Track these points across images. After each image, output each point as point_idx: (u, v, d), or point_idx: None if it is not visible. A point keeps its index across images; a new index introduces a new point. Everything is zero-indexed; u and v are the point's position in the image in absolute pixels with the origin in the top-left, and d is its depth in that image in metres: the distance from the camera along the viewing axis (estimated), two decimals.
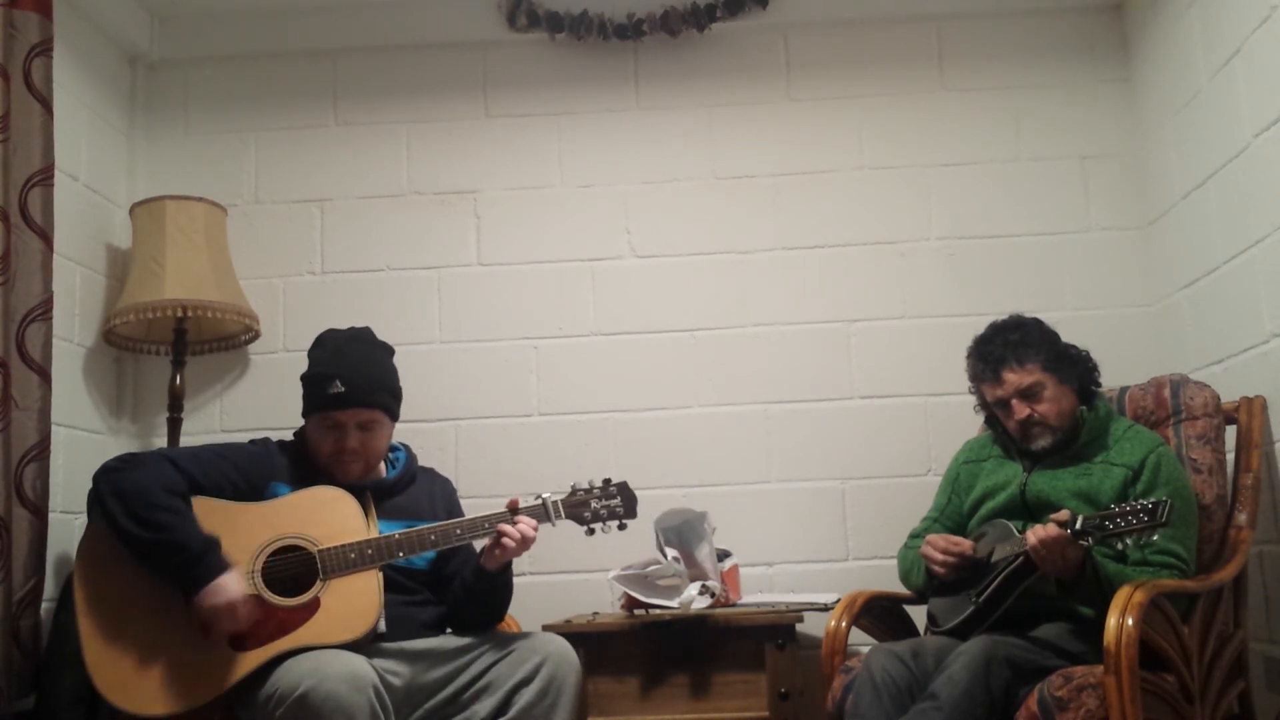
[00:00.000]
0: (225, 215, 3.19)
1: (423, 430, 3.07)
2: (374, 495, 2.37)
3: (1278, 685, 2.60)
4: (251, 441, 2.43)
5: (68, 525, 2.84)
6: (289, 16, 3.38)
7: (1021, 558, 2.20)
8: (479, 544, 2.36)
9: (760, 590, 3.06)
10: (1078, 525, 2.08)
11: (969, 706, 1.99)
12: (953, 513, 2.59)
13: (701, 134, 3.35)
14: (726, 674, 2.61)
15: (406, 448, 2.54)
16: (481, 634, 2.31)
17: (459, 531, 2.28)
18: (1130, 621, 1.96)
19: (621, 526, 2.37)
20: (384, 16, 3.38)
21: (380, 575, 2.23)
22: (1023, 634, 2.20)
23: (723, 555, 2.89)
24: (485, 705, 2.18)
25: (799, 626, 2.63)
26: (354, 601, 2.19)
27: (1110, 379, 2.58)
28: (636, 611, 2.68)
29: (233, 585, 2.10)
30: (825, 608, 2.62)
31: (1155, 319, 3.18)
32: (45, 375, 2.53)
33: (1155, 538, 2.08)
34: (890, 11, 3.35)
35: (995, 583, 2.26)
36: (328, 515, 2.26)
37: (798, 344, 3.23)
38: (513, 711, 2.16)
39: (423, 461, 2.57)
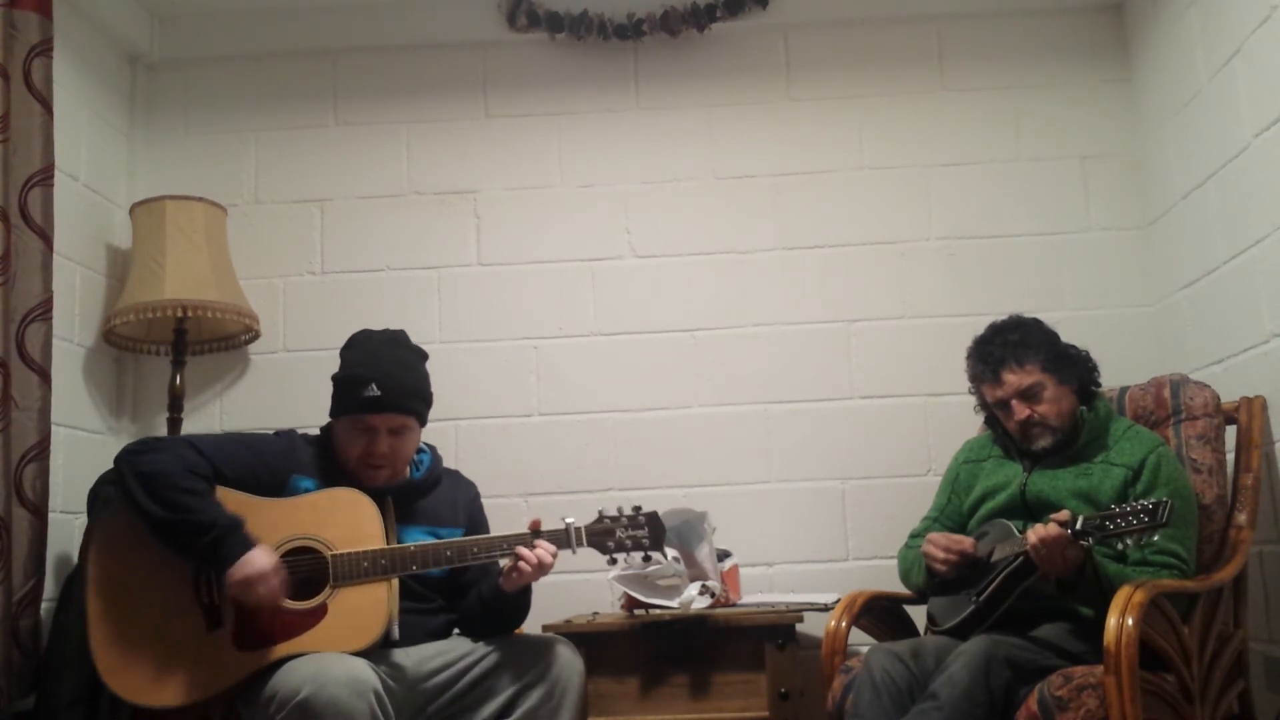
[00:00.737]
0: (225, 215, 3.19)
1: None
2: (397, 498, 2.34)
3: (1278, 685, 2.60)
4: (276, 433, 2.41)
5: (67, 525, 2.84)
6: (289, 16, 3.38)
7: (1021, 558, 2.20)
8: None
9: (760, 590, 3.06)
10: (1078, 525, 2.08)
11: (969, 706, 1.99)
12: (952, 513, 2.59)
13: (701, 134, 3.35)
14: (726, 674, 2.61)
15: (432, 449, 2.50)
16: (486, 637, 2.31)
17: (476, 550, 2.25)
18: (1130, 621, 1.96)
19: (646, 559, 2.34)
20: (384, 16, 3.38)
21: (393, 585, 2.21)
22: (1023, 634, 2.20)
23: (723, 555, 2.89)
24: (488, 709, 2.17)
25: (799, 626, 2.63)
26: (361, 613, 2.17)
27: (1110, 379, 2.58)
28: (636, 611, 2.68)
29: (261, 557, 2.10)
30: (825, 608, 2.62)
31: (1155, 319, 3.18)
32: (45, 375, 2.53)
33: (1155, 538, 2.08)
34: (890, 11, 3.35)
35: (995, 583, 2.26)
36: (345, 519, 2.24)
37: (798, 344, 3.23)
38: (516, 715, 2.16)
39: None
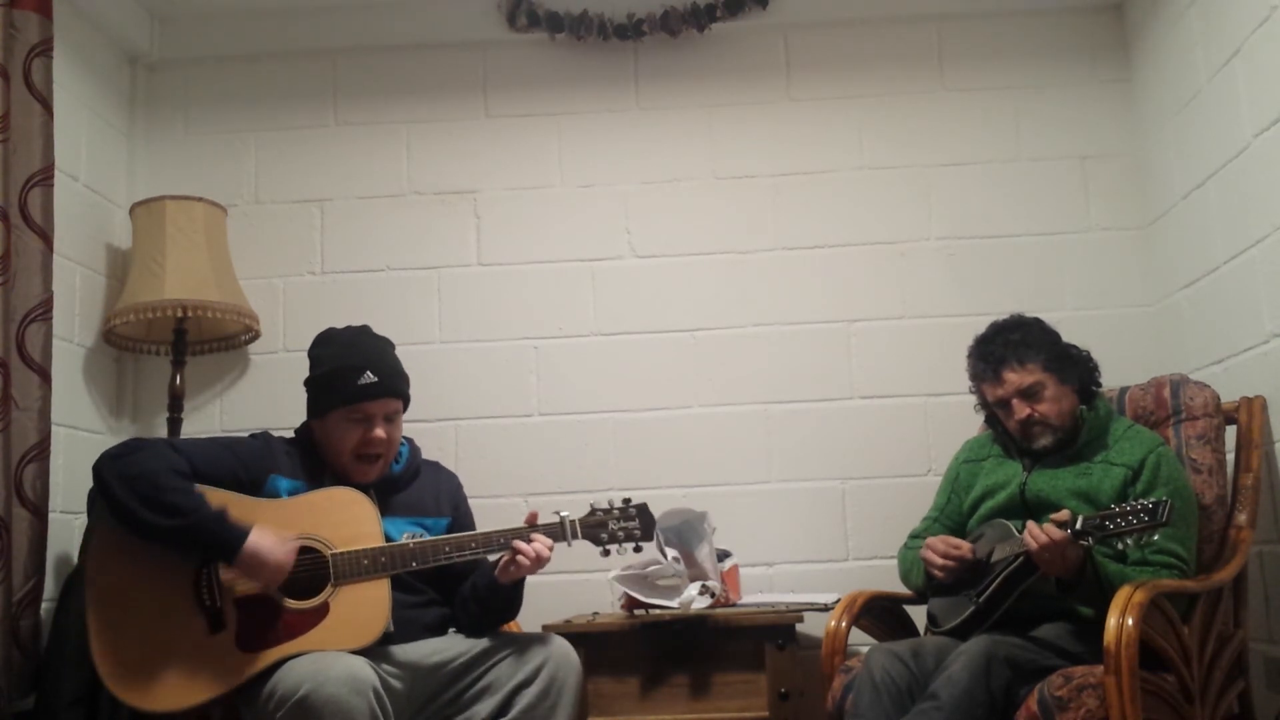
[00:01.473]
0: (225, 215, 3.19)
1: (423, 430, 3.05)
2: (379, 491, 2.35)
3: (1278, 685, 2.60)
4: (251, 435, 2.42)
5: (68, 525, 2.84)
6: (289, 16, 3.38)
7: (1021, 558, 2.21)
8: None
9: (760, 590, 3.06)
10: (1078, 525, 2.08)
11: (969, 706, 1.99)
12: (952, 512, 2.59)
13: (701, 134, 3.35)
14: (726, 674, 2.61)
15: (410, 440, 2.52)
16: (483, 635, 2.31)
17: (474, 545, 2.27)
18: (1130, 621, 1.96)
19: (637, 549, 2.37)
20: (384, 16, 3.38)
21: (389, 581, 2.22)
22: (1023, 634, 2.21)
23: (723, 555, 2.89)
24: (486, 706, 2.18)
25: (799, 626, 2.63)
26: (363, 610, 2.18)
27: (1110, 379, 2.58)
28: (636, 611, 2.68)
29: (265, 535, 2.11)
30: (825, 608, 2.62)
31: (1155, 319, 3.18)
32: (45, 375, 2.52)
33: (1155, 538, 2.08)
34: (890, 11, 3.35)
35: (995, 583, 2.26)
36: (343, 517, 2.25)
37: (798, 344, 3.23)
38: (514, 712, 2.16)
39: None
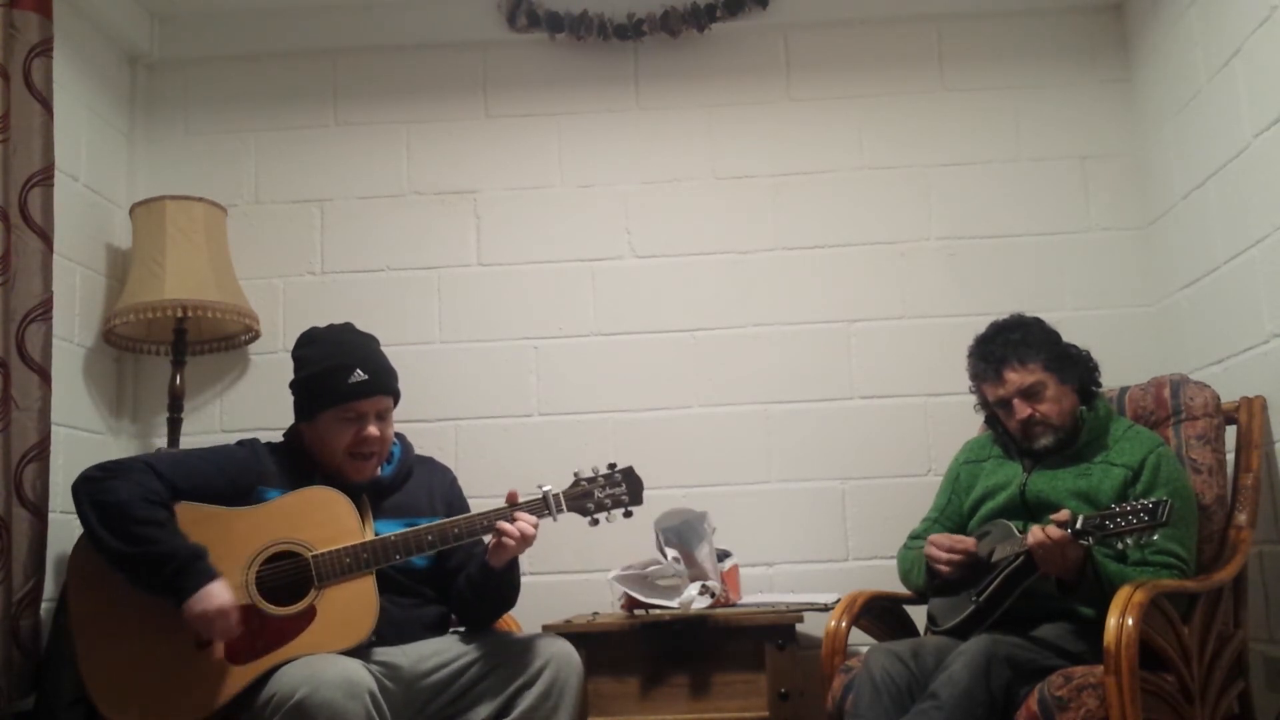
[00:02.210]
0: (225, 215, 3.19)
1: (423, 430, 3.06)
2: (371, 494, 2.33)
3: (1278, 685, 2.60)
4: (239, 443, 2.38)
5: (68, 525, 2.83)
6: (289, 16, 3.38)
7: (1022, 557, 2.21)
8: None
9: (760, 590, 3.06)
10: (1078, 525, 2.08)
11: (969, 706, 1.99)
12: (953, 513, 2.59)
13: (701, 134, 3.35)
14: (726, 674, 2.61)
15: (402, 438, 2.48)
16: (483, 635, 2.29)
17: (457, 531, 2.23)
18: (1130, 621, 1.96)
19: (627, 514, 2.29)
20: (384, 16, 3.38)
21: (374, 577, 2.19)
22: (1023, 634, 2.20)
23: (723, 555, 2.89)
24: (486, 708, 2.17)
25: (799, 626, 2.63)
26: (350, 609, 2.16)
27: (1110, 379, 2.58)
28: (636, 611, 2.68)
29: (221, 592, 2.06)
30: (825, 608, 2.62)
31: (1155, 319, 3.18)
32: (45, 375, 2.52)
33: (1155, 538, 2.08)
34: (890, 11, 3.35)
35: (995, 582, 2.26)
36: (321, 517, 2.21)
37: (798, 344, 3.23)
38: (515, 714, 2.15)
39: None
